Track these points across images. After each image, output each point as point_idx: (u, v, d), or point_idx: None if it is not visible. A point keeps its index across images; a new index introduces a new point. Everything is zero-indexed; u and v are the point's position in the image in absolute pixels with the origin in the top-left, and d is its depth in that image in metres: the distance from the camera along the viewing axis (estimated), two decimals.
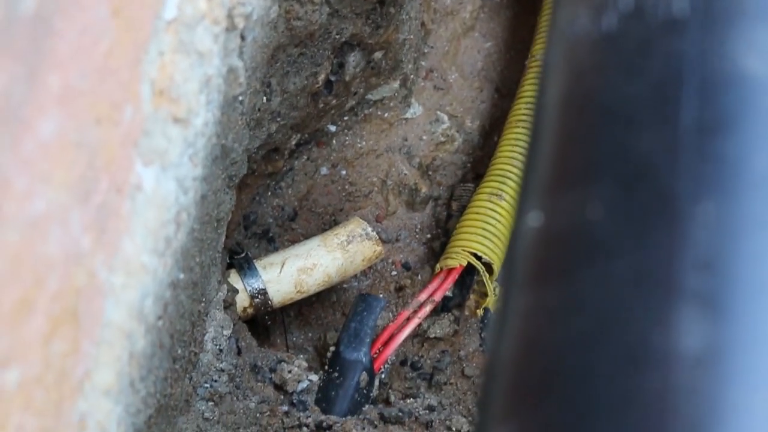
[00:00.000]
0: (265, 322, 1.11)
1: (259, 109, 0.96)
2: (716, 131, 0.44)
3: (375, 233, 1.04)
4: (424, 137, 1.19)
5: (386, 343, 1.03)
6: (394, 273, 1.14)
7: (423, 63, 1.21)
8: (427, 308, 1.05)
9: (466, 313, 1.10)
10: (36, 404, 0.56)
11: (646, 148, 0.45)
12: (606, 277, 0.43)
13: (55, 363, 0.58)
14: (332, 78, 1.08)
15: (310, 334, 1.13)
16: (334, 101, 1.10)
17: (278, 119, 1.02)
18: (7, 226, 0.50)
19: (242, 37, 0.81)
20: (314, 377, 1.00)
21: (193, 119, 0.71)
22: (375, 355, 1.03)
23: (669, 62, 0.47)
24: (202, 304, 0.92)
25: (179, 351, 0.85)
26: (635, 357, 0.41)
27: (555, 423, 0.41)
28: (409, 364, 1.09)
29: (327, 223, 1.14)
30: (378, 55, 1.11)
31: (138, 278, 0.66)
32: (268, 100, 0.98)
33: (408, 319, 1.05)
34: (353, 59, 1.08)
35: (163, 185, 0.67)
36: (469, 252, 1.05)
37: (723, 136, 0.44)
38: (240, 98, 0.85)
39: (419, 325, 1.06)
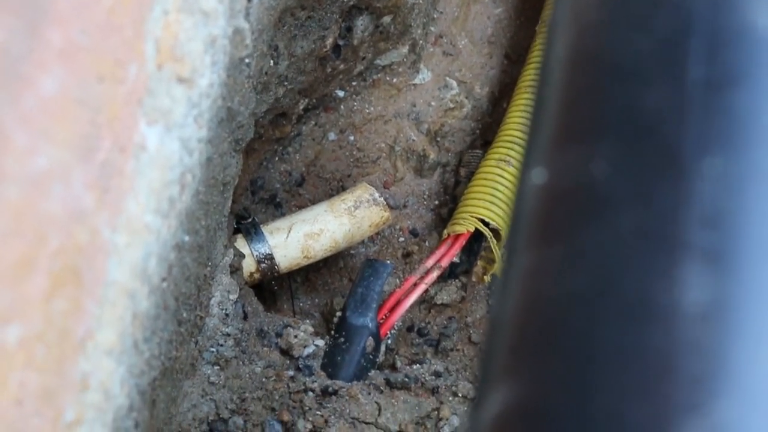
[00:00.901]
0: (271, 287, 1.11)
1: (266, 73, 0.95)
2: (724, 86, 0.44)
3: (382, 199, 1.04)
4: (433, 103, 1.18)
5: (393, 309, 1.03)
6: (401, 239, 1.14)
7: (432, 28, 1.20)
8: (434, 274, 1.05)
9: (473, 279, 1.10)
10: (37, 361, 0.56)
11: (653, 104, 0.45)
12: (609, 232, 0.42)
13: (57, 321, 0.58)
14: (340, 42, 1.07)
15: (316, 300, 1.13)
16: (342, 66, 1.09)
17: (285, 83, 1.01)
18: (8, 182, 0.49)
19: None
20: (320, 342, 1.00)
21: (198, 79, 0.71)
22: (381, 321, 1.02)
23: (677, 16, 0.46)
24: (208, 268, 0.92)
25: (184, 314, 0.85)
26: (638, 312, 0.40)
27: (556, 378, 0.41)
28: (415, 330, 1.09)
29: (334, 188, 1.14)
30: (386, 19, 1.10)
31: (141, 238, 0.66)
32: (275, 63, 0.98)
33: (415, 285, 1.04)
34: (361, 23, 1.08)
35: (167, 145, 0.67)
36: (476, 218, 1.04)
37: (731, 91, 0.44)
38: (246, 60, 0.84)
39: (426, 291, 1.06)
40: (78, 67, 0.56)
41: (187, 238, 0.78)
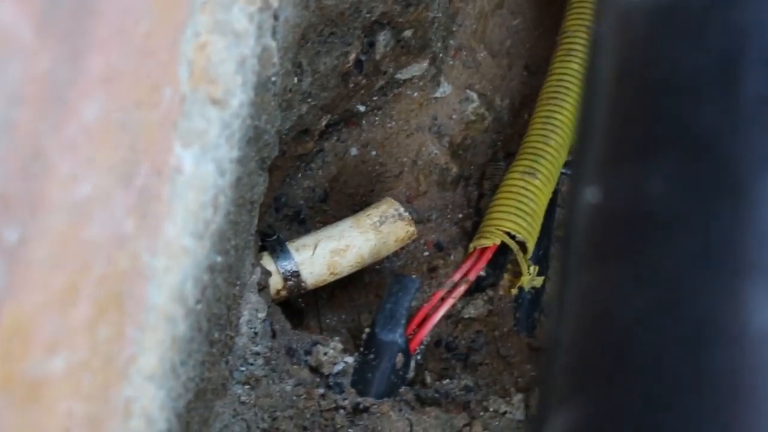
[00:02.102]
0: (298, 304, 1.10)
1: (290, 90, 0.95)
2: None
3: (408, 213, 1.03)
4: (454, 116, 1.18)
5: (421, 324, 1.03)
6: (426, 253, 1.13)
7: (451, 41, 1.20)
8: (462, 288, 1.04)
9: (501, 292, 1.09)
10: (83, 390, 0.56)
11: (707, 121, 0.44)
12: (669, 253, 0.42)
13: (101, 348, 0.57)
14: (362, 57, 1.07)
15: (343, 316, 1.12)
16: (364, 81, 1.09)
17: (309, 100, 1.01)
18: (54, 210, 0.49)
19: (275, 17, 0.80)
20: (350, 359, 0.99)
21: (230, 100, 0.70)
22: (410, 337, 1.02)
23: (729, 32, 0.45)
24: (237, 288, 0.91)
25: (216, 335, 0.85)
26: (704, 335, 0.40)
27: (623, 398, 0.40)
28: (443, 344, 1.08)
29: (358, 204, 1.13)
30: (407, 33, 1.10)
31: (179, 261, 0.65)
32: (299, 80, 0.97)
33: (443, 300, 1.04)
34: (383, 38, 1.07)
35: (202, 167, 0.66)
36: (502, 231, 1.04)
37: None
38: (273, 79, 0.84)
39: (453, 305, 1.05)
40: (117, 92, 0.55)
41: (219, 259, 0.78)
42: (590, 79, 0.51)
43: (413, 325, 1.03)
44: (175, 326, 0.67)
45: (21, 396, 0.49)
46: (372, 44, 1.07)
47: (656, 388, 0.40)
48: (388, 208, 1.04)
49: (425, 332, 1.03)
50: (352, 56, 1.04)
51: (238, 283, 0.92)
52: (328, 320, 1.12)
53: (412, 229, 1.05)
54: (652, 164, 0.44)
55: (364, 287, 1.13)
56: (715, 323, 0.40)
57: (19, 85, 0.45)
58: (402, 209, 1.03)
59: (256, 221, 0.94)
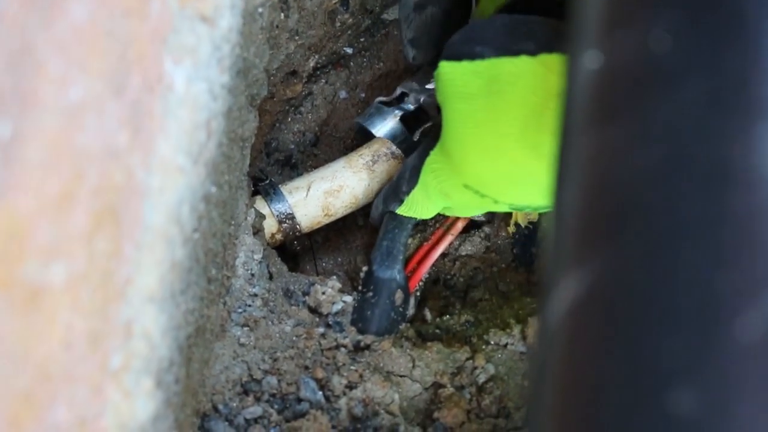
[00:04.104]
0: (294, 248, 1.09)
1: (277, 26, 0.94)
2: None
3: (400, 152, 1.02)
4: None
5: (421, 262, 1.02)
6: None
7: None
8: (459, 225, 1.03)
9: (497, 229, 1.09)
10: (83, 305, 0.55)
11: None
12: (678, 104, 0.41)
13: (99, 262, 0.56)
14: None
15: (339, 259, 1.11)
16: (350, 20, 1.08)
17: (296, 38, 1.00)
18: (46, 111, 0.48)
19: None
20: (348, 299, 0.99)
21: (219, 20, 0.69)
22: (409, 275, 1.01)
23: None
24: (232, 227, 0.90)
25: (213, 272, 0.84)
26: (716, 180, 0.39)
27: (636, 255, 0.40)
28: (441, 282, 1.08)
29: (349, 147, 1.13)
30: None
31: (174, 181, 0.65)
32: (285, 17, 0.96)
33: (441, 237, 1.03)
34: None
35: (194, 85, 0.65)
36: None
37: None
38: (260, 10, 0.83)
39: (451, 242, 1.05)
40: None
41: (213, 190, 0.77)
42: None
43: (413, 263, 1.02)
44: (173, 250, 0.66)
45: (20, 302, 0.48)
46: None
47: (667, 241, 0.39)
48: (380, 147, 1.03)
49: (425, 269, 1.02)
50: None
51: (233, 222, 0.91)
52: (324, 264, 1.11)
53: None
54: (655, 21, 0.43)
55: (358, 230, 1.12)
56: (725, 168, 0.39)
57: None
58: (394, 148, 1.03)
59: (248, 161, 0.93)
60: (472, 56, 0.84)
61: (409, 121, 1.03)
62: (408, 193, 0.95)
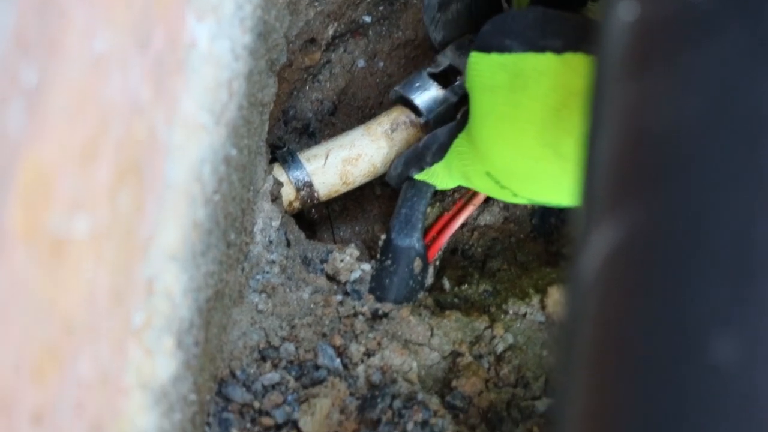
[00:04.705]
0: (311, 216, 1.09)
1: None
2: None
3: (419, 120, 1.02)
4: None
5: (441, 231, 1.01)
6: None
7: None
8: (481, 196, 1.03)
9: None
10: (106, 259, 0.54)
11: None
12: (717, 54, 0.40)
13: (122, 217, 0.56)
14: None
15: (356, 228, 1.11)
16: None
17: (315, 4, 0.99)
18: (71, 60, 0.47)
19: None
20: (366, 267, 0.98)
21: None
22: (429, 244, 1.01)
23: None
24: (251, 192, 0.90)
25: (232, 236, 0.83)
26: (756, 130, 0.38)
27: (674, 205, 0.39)
28: (459, 252, 1.07)
29: (367, 116, 1.12)
30: None
31: (197, 138, 0.64)
32: None
33: (462, 207, 1.02)
34: None
35: (217, 43, 0.65)
36: None
37: None
38: None
39: (472, 212, 1.04)
40: None
41: (234, 153, 0.76)
42: None
43: (433, 232, 1.01)
44: (194, 209, 0.66)
45: (46, 253, 0.48)
46: None
47: (705, 192, 0.38)
48: (399, 115, 1.02)
49: (445, 239, 1.02)
50: None
51: (252, 188, 0.90)
52: (341, 233, 1.11)
53: (424, 136, 1.03)
54: None
55: (376, 199, 1.11)
56: (765, 118, 0.38)
57: None
58: (413, 115, 1.02)
59: (266, 127, 0.93)
60: (501, 49, 0.85)
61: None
62: (431, 165, 0.96)
